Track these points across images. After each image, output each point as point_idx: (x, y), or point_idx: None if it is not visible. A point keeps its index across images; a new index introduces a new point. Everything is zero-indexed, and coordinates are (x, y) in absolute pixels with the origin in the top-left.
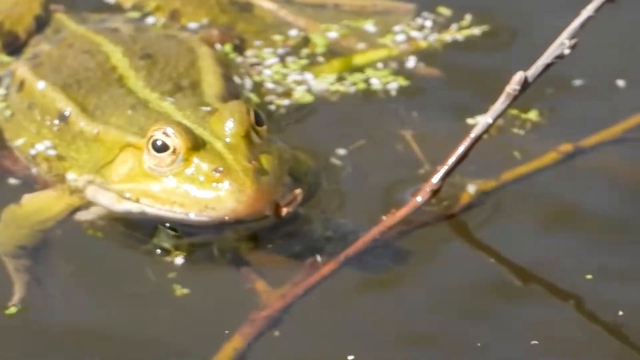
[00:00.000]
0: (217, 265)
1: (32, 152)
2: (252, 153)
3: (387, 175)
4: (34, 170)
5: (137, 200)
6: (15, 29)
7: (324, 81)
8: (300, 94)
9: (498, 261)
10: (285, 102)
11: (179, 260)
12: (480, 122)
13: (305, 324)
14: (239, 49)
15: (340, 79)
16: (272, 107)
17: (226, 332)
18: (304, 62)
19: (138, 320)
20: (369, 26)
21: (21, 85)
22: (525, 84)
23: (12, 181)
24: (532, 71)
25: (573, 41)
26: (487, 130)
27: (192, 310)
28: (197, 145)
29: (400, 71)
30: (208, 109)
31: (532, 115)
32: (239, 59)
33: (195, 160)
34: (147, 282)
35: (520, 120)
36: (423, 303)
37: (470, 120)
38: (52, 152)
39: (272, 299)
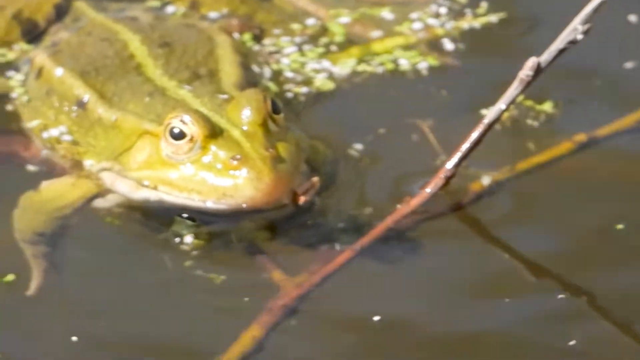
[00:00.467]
0: (234, 255)
1: (50, 138)
2: (269, 141)
3: (403, 165)
4: (50, 156)
5: (155, 188)
6: (35, 17)
7: (345, 66)
8: (321, 82)
9: (512, 253)
10: (305, 90)
11: (195, 248)
12: (494, 108)
13: (322, 313)
14: (258, 38)
15: (361, 62)
16: (291, 95)
17: (244, 321)
18: (322, 50)
19: (154, 307)
20: (386, 14)
21: (40, 72)
22: (538, 70)
23: (30, 168)
24: (545, 57)
25: (586, 26)
26: (500, 116)
27: (209, 299)
28: (214, 133)
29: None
30: (225, 96)
31: (547, 106)
32: (257, 48)
33: (213, 147)
34: (164, 270)
35: (535, 112)
36: (437, 294)
37: (484, 111)
38: (69, 139)
39: (289, 288)
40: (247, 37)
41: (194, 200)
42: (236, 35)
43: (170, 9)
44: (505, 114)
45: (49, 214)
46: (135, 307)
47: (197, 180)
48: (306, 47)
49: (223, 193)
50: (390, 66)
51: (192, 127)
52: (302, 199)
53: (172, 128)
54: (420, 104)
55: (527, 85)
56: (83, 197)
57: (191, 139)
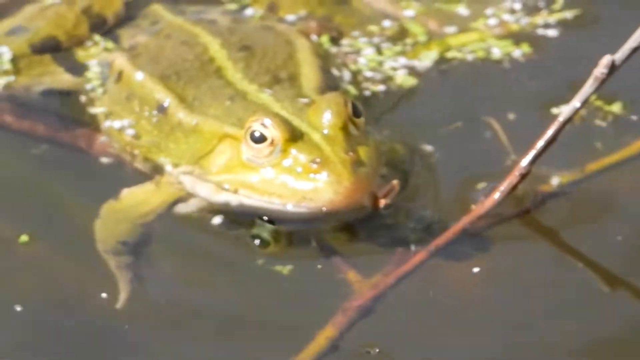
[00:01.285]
0: (310, 256)
1: (131, 142)
2: (349, 145)
3: (475, 164)
4: (130, 161)
5: (236, 191)
6: (104, 12)
7: (426, 58)
8: (402, 78)
9: (582, 260)
10: (383, 87)
11: (273, 250)
12: (568, 106)
13: (397, 313)
14: (336, 40)
15: (442, 54)
16: (369, 94)
17: (319, 321)
18: (399, 48)
19: (233, 307)
20: (462, 10)
21: (119, 75)
22: (612, 68)
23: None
24: (620, 55)
25: None
26: (575, 113)
27: (285, 300)
28: (294, 136)
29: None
30: (306, 100)
31: (616, 107)
32: (334, 49)
33: (293, 151)
34: (244, 270)
35: (603, 112)
36: (510, 295)
37: (555, 110)
38: (150, 142)
39: (363, 289)
40: (324, 39)
41: (274, 204)
42: (314, 37)
43: (248, 11)
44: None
45: (132, 221)
46: (217, 305)
47: (278, 183)
48: (384, 46)
49: (303, 196)
50: (467, 57)
51: (272, 131)
52: (382, 202)
53: (253, 131)
54: (494, 100)
55: (602, 83)
56: (165, 202)
57: (272, 143)
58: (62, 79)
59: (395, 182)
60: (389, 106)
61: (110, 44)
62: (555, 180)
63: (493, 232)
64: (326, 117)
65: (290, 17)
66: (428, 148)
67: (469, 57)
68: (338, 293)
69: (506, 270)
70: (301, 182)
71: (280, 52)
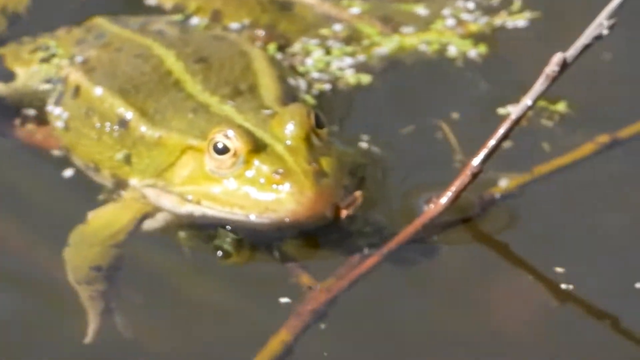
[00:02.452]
0: (262, 261)
1: (93, 158)
2: (312, 155)
3: (426, 166)
4: (93, 176)
5: (199, 203)
6: (17, 9)
7: (377, 57)
8: (352, 78)
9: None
10: (330, 87)
11: (233, 260)
12: (520, 104)
13: (350, 317)
14: (283, 48)
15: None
16: (321, 93)
17: (273, 326)
18: (350, 49)
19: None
20: (420, 10)
21: (77, 91)
22: (564, 65)
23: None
24: (571, 52)
25: (611, 21)
26: (526, 112)
27: (238, 305)
28: (257, 147)
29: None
30: (269, 112)
31: (561, 107)
32: (280, 56)
33: (256, 162)
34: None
35: (549, 112)
36: (459, 297)
37: (501, 110)
38: (112, 158)
39: (317, 293)
40: (272, 47)
41: (237, 215)
42: (259, 44)
43: (193, 20)
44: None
45: (103, 243)
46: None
47: (240, 194)
48: (335, 47)
49: (266, 207)
50: (421, 56)
51: (235, 142)
52: (344, 213)
53: (216, 143)
54: (444, 102)
55: (553, 81)
56: (134, 219)
57: (234, 154)
58: None
59: (358, 193)
60: (338, 107)
61: (50, 54)
62: (503, 183)
63: (440, 237)
64: (289, 128)
65: (235, 25)
66: (378, 150)
67: (424, 56)
68: (292, 297)
69: (447, 275)
70: (264, 193)
71: (236, 63)
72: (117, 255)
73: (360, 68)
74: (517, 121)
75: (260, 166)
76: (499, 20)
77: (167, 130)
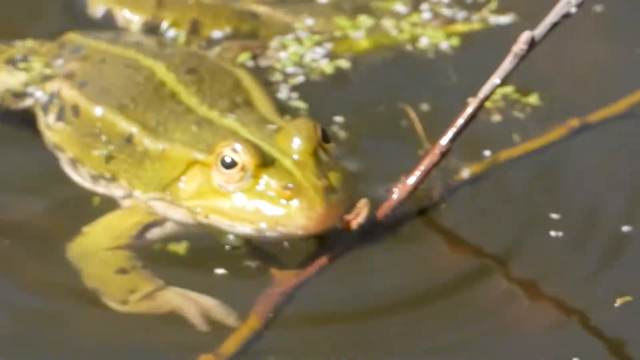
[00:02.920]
0: (232, 252)
1: (100, 173)
2: (320, 170)
3: (394, 153)
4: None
5: (207, 217)
6: None
7: (351, 47)
8: (325, 67)
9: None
10: (303, 78)
11: (184, 252)
12: (488, 83)
13: (317, 304)
14: (258, 56)
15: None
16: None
17: (242, 312)
18: (322, 38)
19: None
20: (399, 7)
21: (76, 110)
22: (532, 44)
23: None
24: (540, 30)
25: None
26: (494, 91)
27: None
28: (265, 162)
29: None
30: (274, 126)
31: (533, 99)
32: (252, 64)
33: (264, 176)
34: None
35: (521, 104)
36: (424, 284)
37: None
38: (117, 172)
39: (284, 278)
40: (244, 56)
41: (246, 229)
42: (230, 56)
43: (170, 32)
44: (492, 106)
45: (109, 246)
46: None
47: (249, 209)
48: (307, 38)
49: (276, 222)
50: (395, 48)
51: (243, 156)
52: (354, 224)
53: (224, 157)
54: (415, 89)
55: (522, 60)
56: (137, 225)
57: (242, 168)
58: None
59: (364, 201)
60: (309, 98)
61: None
62: (466, 173)
63: (402, 226)
64: (296, 143)
65: (217, 34)
66: (348, 134)
67: (396, 48)
68: (260, 284)
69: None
70: (273, 207)
71: (225, 76)
72: (130, 256)
73: (333, 58)
74: (485, 99)
75: (269, 181)
76: (476, 16)
77: (171, 143)
